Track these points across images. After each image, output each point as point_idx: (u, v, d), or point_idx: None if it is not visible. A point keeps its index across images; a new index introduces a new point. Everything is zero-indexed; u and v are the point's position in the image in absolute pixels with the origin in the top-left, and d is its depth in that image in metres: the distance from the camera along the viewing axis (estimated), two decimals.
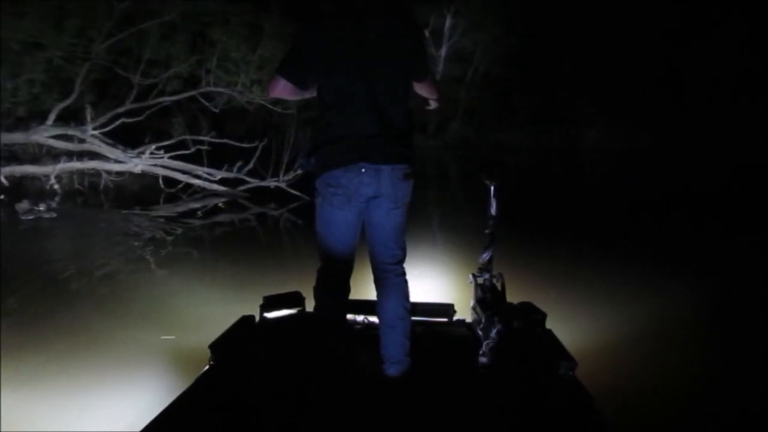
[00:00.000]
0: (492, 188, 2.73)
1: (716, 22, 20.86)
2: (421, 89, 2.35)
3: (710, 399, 3.09)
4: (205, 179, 9.65)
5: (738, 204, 10.31)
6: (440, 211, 9.12)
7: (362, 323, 2.88)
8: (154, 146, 9.44)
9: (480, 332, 2.62)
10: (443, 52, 22.83)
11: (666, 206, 10.18)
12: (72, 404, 2.95)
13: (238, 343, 2.61)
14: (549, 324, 2.69)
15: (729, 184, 13.58)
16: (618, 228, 7.82)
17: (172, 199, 9.42)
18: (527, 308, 2.74)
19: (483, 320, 2.61)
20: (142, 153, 9.35)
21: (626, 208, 9.80)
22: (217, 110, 10.46)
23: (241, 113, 11.54)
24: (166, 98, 9.90)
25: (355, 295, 2.40)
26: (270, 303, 2.86)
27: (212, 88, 10.04)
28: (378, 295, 2.37)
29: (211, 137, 9.92)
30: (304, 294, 2.90)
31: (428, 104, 2.52)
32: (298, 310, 2.89)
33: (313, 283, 2.33)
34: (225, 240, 7.26)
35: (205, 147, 9.72)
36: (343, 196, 2.13)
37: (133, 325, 3.97)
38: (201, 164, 9.68)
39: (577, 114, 22.69)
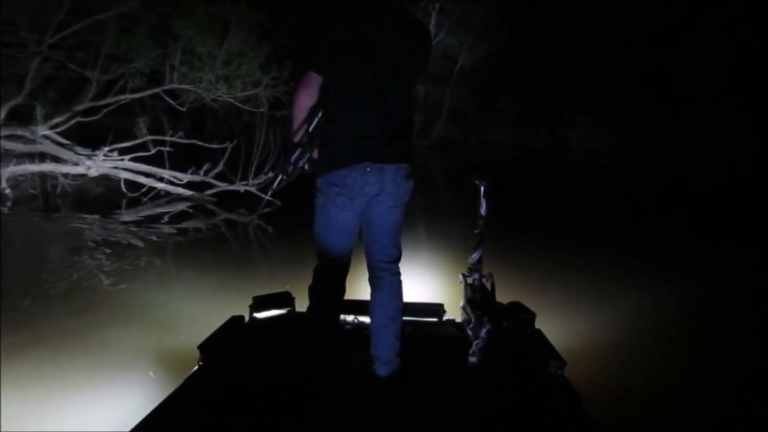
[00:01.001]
0: (482, 188, 2.77)
1: (702, 20, 21.14)
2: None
3: (697, 397, 3.18)
4: (170, 183, 9.08)
5: (723, 203, 10.59)
6: (429, 211, 9.01)
7: (352, 323, 2.87)
8: (107, 148, 8.77)
9: (470, 332, 2.65)
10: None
11: (652, 205, 10.40)
12: (61, 405, 2.86)
13: (228, 343, 2.56)
14: (538, 324, 2.73)
15: (716, 183, 13.89)
16: (605, 227, 7.95)
17: (134, 203, 8.81)
18: (517, 308, 2.78)
19: (473, 320, 2.64)
20: (96, 155, 8.68)
21: (613, 207, 9.96)
22: (183, 109, 9.81)
23: (221, 112, 11.04)
24: (128, 96, 9.18)
25: (346, 295, 2.40)
26: (259, 303, 2.83)
27: (176, 86, 9.37)
28: (372, 294, 2.37)
29: (179, 138, 9.26)
30: (294, 294, 2.89)
31: None
32: (288, 310, 2.88)
33: (292, 291, 2.31)
34: (191, 248, 6.80)
35: (167, 148, 9.03)
36: (346, 197, 2.14)
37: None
38: (170, 166, 9.08)
39: (563, 113, 22.85)
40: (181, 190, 9.13)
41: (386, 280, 2.33)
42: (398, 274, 2.37)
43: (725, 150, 19.02)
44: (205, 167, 9.12)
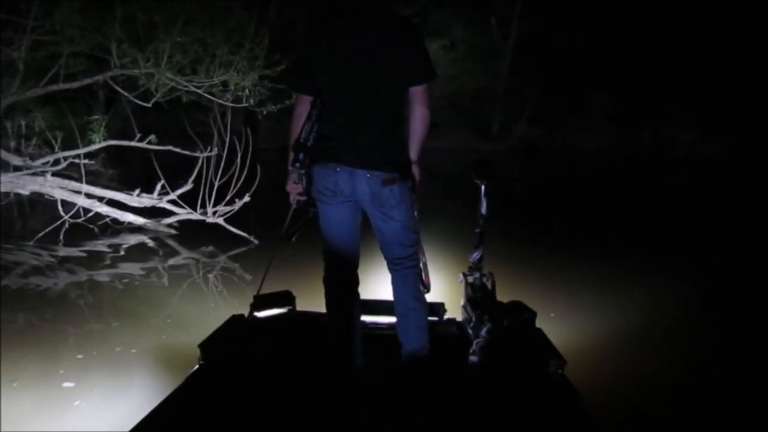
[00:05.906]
0: (483, 187, 2.78)
1: None
2: (414, 99, 2.24)
3: (697, 397, 3.19)
4: (120, 206, 6.79)
5: None
6: (434, 212, 8.71)
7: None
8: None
9: (470, 331, 2.68)
10: (511, 42, 20.13)
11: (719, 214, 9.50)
12: (59, 405, 2.90)
13: (228, 342, 2.59)
14: (539, 323, 2.75)
15: None
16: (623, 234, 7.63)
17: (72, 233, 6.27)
18: (517, 307, 2.80)
19: (473, 319, 2.66)
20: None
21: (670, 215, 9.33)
22: (148, 104, 7.06)
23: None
24: (61, 85, 6.94)
25: None
26: (260, 302, 2.85)
27: (120, 71, 6.87)
28: (391, 285, 2.42)
29: (150, 143, 6.85)
30: (295, 293, 2.94)
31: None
32: (289, 309, 2.92)
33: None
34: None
35: (86, 161, 6.72)
36: (328, 193, 2.23)
37: None
38: (138, 185, 6.84)
39: (669, 113, 18.98)
40: (132, 217, 6.80)
41: (399, 273, 2.38)
42: (413, 266, 2.39)
43: None
44: (159, 186, 6.81)
